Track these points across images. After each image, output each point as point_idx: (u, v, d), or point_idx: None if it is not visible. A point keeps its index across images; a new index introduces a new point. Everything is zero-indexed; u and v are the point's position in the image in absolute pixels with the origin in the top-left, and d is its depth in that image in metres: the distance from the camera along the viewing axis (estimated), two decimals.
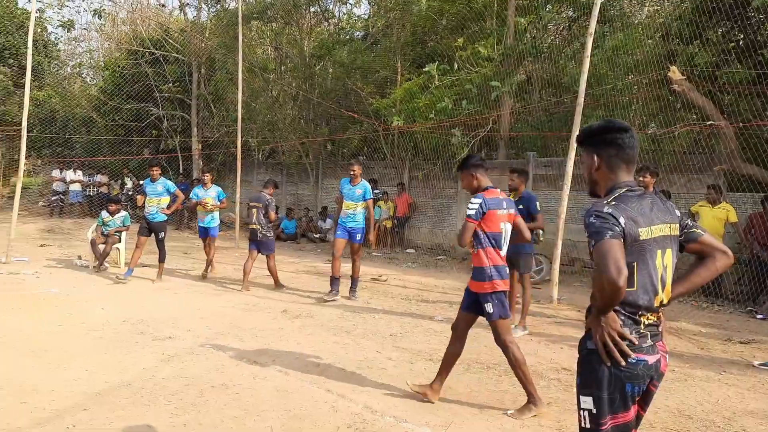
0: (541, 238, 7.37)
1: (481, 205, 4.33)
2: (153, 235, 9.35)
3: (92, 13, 21.66)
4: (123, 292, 8.45)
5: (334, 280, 8.33)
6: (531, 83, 12.97)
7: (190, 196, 10.18)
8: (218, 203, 10.14)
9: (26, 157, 11.37)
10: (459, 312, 4.59)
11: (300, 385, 4.84)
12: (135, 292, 8.47)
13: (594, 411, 2.28)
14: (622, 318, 2.26)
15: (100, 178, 19.69)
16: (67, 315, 6.89)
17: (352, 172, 8.38)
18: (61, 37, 28.99)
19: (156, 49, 19.85)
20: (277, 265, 9.35)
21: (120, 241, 10.49)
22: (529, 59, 12.67)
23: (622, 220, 2.21)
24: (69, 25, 23.25)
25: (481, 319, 4.46)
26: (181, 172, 19.55)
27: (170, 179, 18.92)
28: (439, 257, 13.32)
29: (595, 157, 2.43)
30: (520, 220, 4.67)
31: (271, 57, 20.27)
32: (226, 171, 19.88)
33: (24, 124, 10.77)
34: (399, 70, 15.37)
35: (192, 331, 6.40)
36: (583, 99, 8.53)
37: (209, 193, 10.14)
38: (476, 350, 5.91)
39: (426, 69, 12.91)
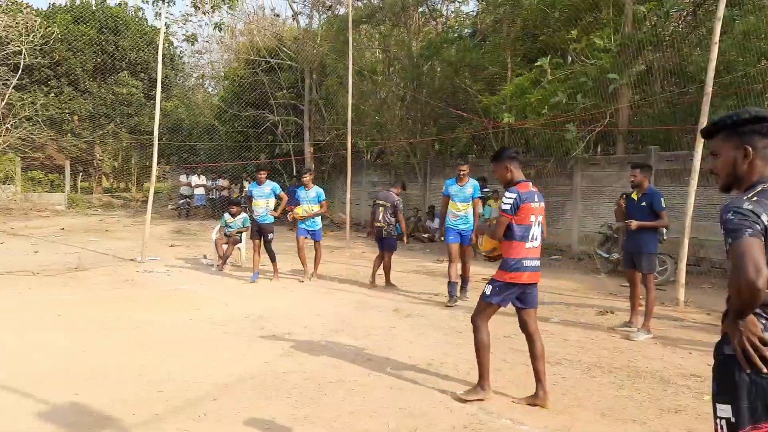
0: (665, 237, 6.92)
1: (516, 199, 4.35)
2: (261, 236, 9.59)
3: (213, 26, 22.92)
4: (244, 290, 8.87)
5: (452, 286, 8.07)
6: (651, 73, 12.27)
7: (296, 197, 10.02)
8: (317, 205, 9.84)
9: (157, 164, 12.21)
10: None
11: (413, 383, 4.84)
12: (254, 290, 8.87)
13: (732, 420, 2.09)
14: (763, 322, 2.06)
15: (222, 182, 20.85)
16: (195, 310, 7.32)
17: (461, 172, 8.18)
18: (186, 50, 31.06)
19: (271, 58, 20.75)
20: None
21: (241, 241, 11.02)
22: (649, 48, 11.99)
23: (764, 218, 2.01)
24: (192, 39, 24.76)
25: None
26: (294, 175, 20.27)
27: (284, 182, 19.78)
28: (554, 257, 12.89)
29: (748, 148, 2.20)
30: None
31: (379, 59, 20.57)
32: (336, 173, 20.40)
33: (155, 133, 11.58)
34: (509, 65, 15.07)
35: (308, 328, 6.59)
36: (711, 88, 7.95)
37: (309, 194, 9.83)
38: (596, 354, 5.65)
39: (538, 63, 12.56)
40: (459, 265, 8.30)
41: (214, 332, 6.32)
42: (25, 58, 21.84)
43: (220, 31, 24.08)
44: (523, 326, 4.61)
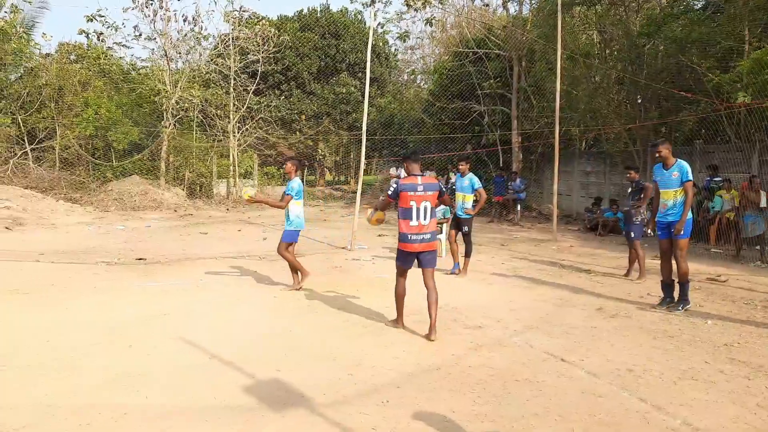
0: None
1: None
2: (459, 228, 9.53)
3: (424, 22, 23.48)
4: (441, 280, 8.93)
5: (666, 287, 7.25)
6: None
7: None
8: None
9: (369, 158, 12.83)
10: None
11: (609, 389, 4.46)
12: (451, 280, 8.90)
13: None
14: None
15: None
16: (392, 299, 7.55)
17: (657, 155, 7.14)
18: (400, 48, 32.29)
19: (479, 48, 20.68)
20: (600, 262, 8.87)
21: (441, 232, 11.15)
22: None
23: None
24: (404, 36, 25.64)
25: None
26: (500, 165, 20.00)
27: (490, 172, 19.60)
28: None
29: None
30: None
31: (593, 42, 19.37)
32: (545, 162, 19.70)
33: (364, 128, 12.19)
34: (746, 38, 13.19)
35: (501, 322, 6.43)
36: None
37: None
38: None
39: None
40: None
41: (407, 321, 6.45)
42: (261, 66, 24.47)
43: (431, 26, 24.64)
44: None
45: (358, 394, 4.36)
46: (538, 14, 19.40)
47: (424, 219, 5.82)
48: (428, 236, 5.89)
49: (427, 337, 5.73)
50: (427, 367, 4.94)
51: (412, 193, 5.78)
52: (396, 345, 5.55)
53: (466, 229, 9.45)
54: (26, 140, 21.24)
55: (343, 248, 11.92)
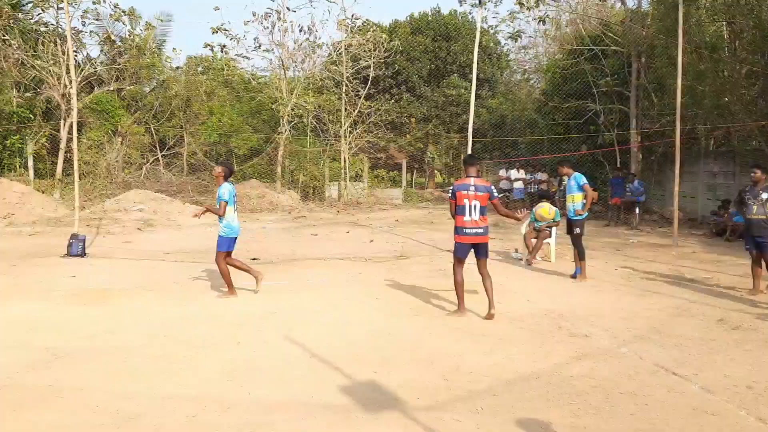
0: None
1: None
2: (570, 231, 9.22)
3: (537, 20, 22.88)
4: (549, 285, 8.68)
5: None
6: None
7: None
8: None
9: (480, 160, 12.68)
10: None
11: (724, 407, 4.13)
12: (560, 286, 8.61)
13: None
14: None
15: (541, 175, 20.76)
16: (497, 303, 7.41)
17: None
18: (512, 47, 31.69)
19: (595, 45, 19.85)
20: (724, 269, 8.23)
21: (550, 236, 10.81)
22: None
23: None
24: (517, 35, 25.13)
25: None
26: (618, 166, 19.06)
27: (607, 173, 18.75)
28: None
29: None
30: None
31: (722, 34, 17.99)
32: (667, 162, 18.52)
33: (470, 130, 12.09)
34: None
35: (609, 331, 6.13)
36: None
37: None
38: None
39: None
40: None
41: (509, 326, 6.33)
42: (372, 71, 24.95)
43: (544, 24, 23.97)
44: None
45: (452, 400, 4.33)
46: (658, 7, 18.29)
47: (476, 215, 6.60)
48: (481, 230, 6.70)
49: (489, 315, 6.57)
50: (526, 376, 4.81)
51: (465, 192, 6.60)
52: (495, 351, 5.45)
53: (577, 231, 9.11)
54: (158, 147, 22.99)
55: (448, 251, 11.85)
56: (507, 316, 6.75)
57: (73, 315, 6.74)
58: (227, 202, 7.57)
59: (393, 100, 28.65)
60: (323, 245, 12.76)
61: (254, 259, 10.76)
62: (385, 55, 25.06)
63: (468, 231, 6.65)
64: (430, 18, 32.20)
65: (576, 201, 9.12)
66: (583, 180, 9.13)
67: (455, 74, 30.68)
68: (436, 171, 35.84)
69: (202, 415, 4.04)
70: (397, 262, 10.54)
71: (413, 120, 30.17)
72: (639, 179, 17.40)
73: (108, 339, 5.81)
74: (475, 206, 6.57)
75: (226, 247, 7.70)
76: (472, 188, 6.60)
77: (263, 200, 21.08)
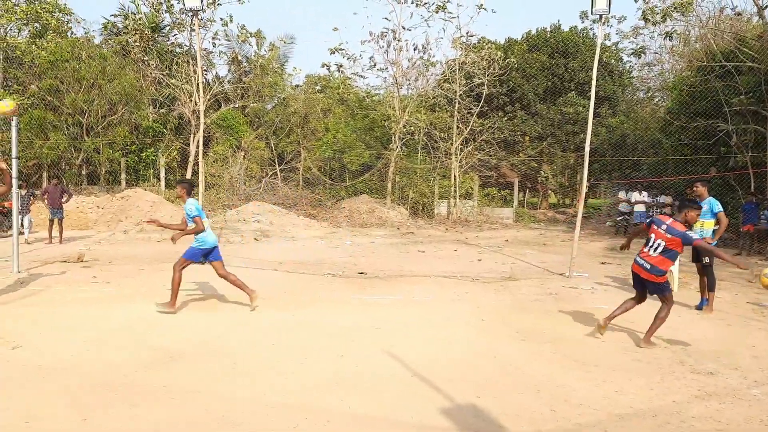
0: None
1: None
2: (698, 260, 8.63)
3: (663, 35, 21.74)
4: (671, 316, 8.08)
5: None
6: None
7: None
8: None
9: (598, 180, 12.19)
10: None
11: None
12: (683, 318, 8.00)
13: None
14: None
15: (664, 198, 19.55)
16: (609, 332, 7.01)
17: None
18: (635, 64, 30.33)
19: (728, 61, 18.53)
20: None
21: (674, 263, 10.10)
22: None
23: None
24: (640, 51, 24.01)
25: None
26: (752, 190, 17.57)
27: (739, 198, 17.35)
28: None
29: None
30: None
31: None
32: None
33: (587, 149, 11.58)
34: None
35: (738, 370, 5.59)
36: None
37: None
38: None
39: None
40: None
41: (624, 357, 5.95)
42: (486, 89, 24.76)
43: (671, 40, 22.74)
44: None
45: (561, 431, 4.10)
46: None
47: (653, 252, 6.53)
48: (648, 266, 6.53)
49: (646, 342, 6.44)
50: (642, 413, 4.48)
51: (657, 227, 6.59)
52: (608, 383, 5.12)
53: (707, 260, 8.50)
54: (276, 162, 24.07)
55: (560, 275, 11.41)
56: (622, 347, 6.36)
57: (189, 319, 7.12)
58: (202, 218, 7.47)
59: (506, 118, 28.25)
60: (430, 262, 12.71)
61: (361, 273, 10.91)
62: (500, 72, 24.80)
63: (638, 260, 6.68)
64: (549, 34, 31.54)
65: (705, 227, 8.50)
66: (719, 207, 8.52)
67: (573, 92, 29.81)
68: (549, 191, 34.83)
69: (303, 426, 4.09)
70: (506, 284, 10.27)
71: (527, 138, 29.56)
72: None
73: (219, 344, 6.07)
74: (659, 244, 6.49)
75: (192, 257, 7.53)
76: (664, 226, 6.52)
77: (373, 215, 21.42)
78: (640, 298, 6.84)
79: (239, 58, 24.70)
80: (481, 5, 23.72)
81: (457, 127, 24.94)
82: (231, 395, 4.62)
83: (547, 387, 5.00)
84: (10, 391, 4.64)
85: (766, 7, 19.18)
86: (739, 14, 22.20)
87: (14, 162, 9.67)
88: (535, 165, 31.10)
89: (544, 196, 33.95)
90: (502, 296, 9.08)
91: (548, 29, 31.99)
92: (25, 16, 22.75)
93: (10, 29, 22.95)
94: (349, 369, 5.35)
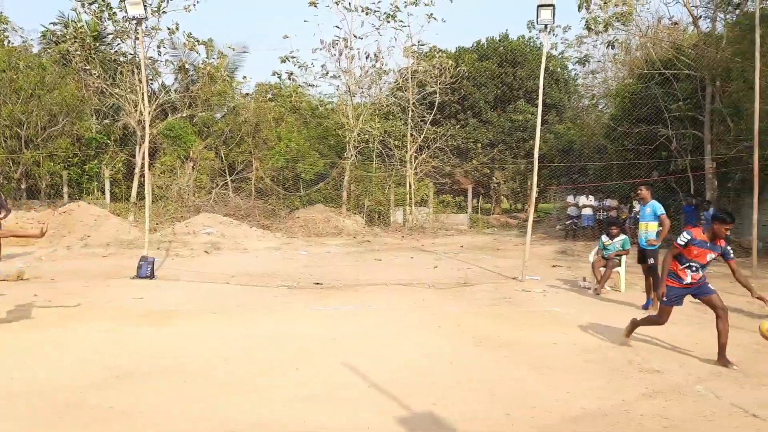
0: None
1: None
2: (644, 261, 8.99)
3: (606, 44, 22.44)
4: (618, 316, 8.33)
5: None
6: None
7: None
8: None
9: (547, 185, 12.47)
10: None
11: None
12: (630, 318, 8.23)
13: None
14: None
15: (610, 202, 20.17)
16: (562, 334, 7.18)
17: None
18: (579, 72, 31.20)
19: (666, 69, 19.27)
20: None
21: (620, 265, 10.43)
22: None
23: None
24: (585, 60, 24.71)
25: None
26: (691, 193, 18.30)
27: (679, 201, 18.01)
28: None
29: None
30: None
31: None
32: (745, 190, 17.64)
33: (536, 155, 11.87)
34: None
35: (684, 367, 5.81)
36: None
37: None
38: None
39: None
40: None
41: (576, 359, 6.10)
42: (438, 97, 25.05)
43: (613, 49, 23.48)
44: None
45: None
46: (733, 29, 17.61)
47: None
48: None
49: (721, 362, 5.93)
50: (592, 413, 4.60)
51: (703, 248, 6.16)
52: (561, 386, 5.24)
53: (651, 261, 8.82)
54: (227, 172, 23.75)
55: (514, 279, 11.63)
56: (575, 348, 6.52)
57: (138, 336, 6.95)
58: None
59: (459, 126, 28.63)
60: (387, 270, 12.75)
61: (317, 283, 10.86)
62: (451, 80, 25.14)
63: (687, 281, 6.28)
64: (497, 43, 32.15)
65: (650, 230, 8.84)
66: (662, 210, 8.86)
67: (522, 99, 30.46)
68: (502, 197, 35.43)
69: None
70: (461, 289, 10.39)
71: (479, 145, 30.02)
72: (715, 207, 16.63)
73: (170, 361, 5.93)
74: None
75: None
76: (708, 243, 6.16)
77: (328, 224, 21.36)
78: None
79: (186, 66, 24.31)
80: (431, 15, 24.03)
81: (411, 135, 25.15)
82: (185, 413, 4.54)
83: (503, 391, 5.08)
84: None
85: (700, 17, 20.04)
86: (676, 24, 23.14)
87: None
88: (488, 171, 31.58)
89: (496, 201, 34.52)
90: (458, 302, 9.19)
91: (497, 38, 32.62)
92: None
93: None
94: (305, 382, 5.31)
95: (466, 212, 27.75)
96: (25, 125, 20.82)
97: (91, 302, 8.76)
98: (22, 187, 21.96)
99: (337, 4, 23.43)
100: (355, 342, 6.74)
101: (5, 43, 23.65)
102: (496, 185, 32.54)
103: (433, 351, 6.36)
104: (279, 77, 26.21)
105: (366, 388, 5.15)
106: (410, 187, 24.72)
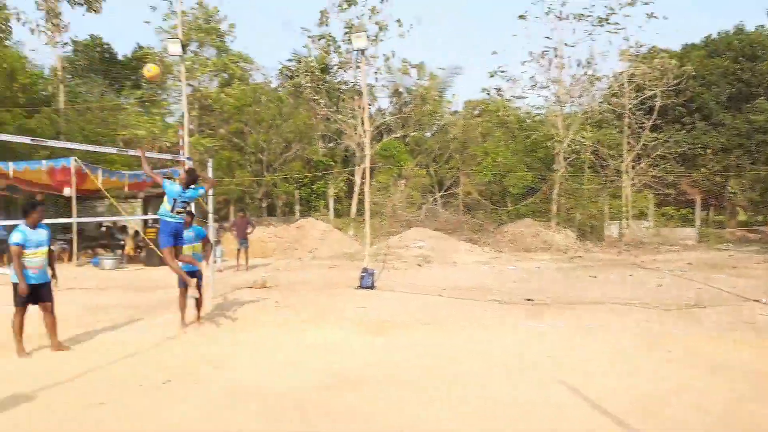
0: None
1: None
2: None
3: None
4: None
5: None
6: None
7: None
8: None
9: None
10: None
11: None
12: None
13: None
14: None
15: None
16: None
17: None
18: None
19: None
20: None
21: None
22: None
23: None
24: None
25: None
26: None
27: None
28: None
29: None
30: None
31: None
32: None
33: None
34: None
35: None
36: None
37: None
38: None
39: None
40: None
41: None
42: (659, 100, 23.17)
43: None
44: None
45: None
46: None
47: None
48: None
49: None
50: None
51: None
52: None
53: None
54: (437, 188, 24.37)
55: (756, 301, 10.17)
56: None
57: (361, 343, 7.33)
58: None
59: (684, 131, 26.13)
60: (603, 288, 11.95)
61: (528, 299, 10.55)
62: (675, 82, 23.08)
63: None
64: (731, 36, 28.85)
65: None
66: None
67: (762, 97, 26.85)
68: (738, 208, 31.49)
69: None
70: (691, 311, 9.34)
71: (709, 151, 27.06)
72: None
73: (388, 368, 6.14)
74: None
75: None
76: None
77: (537, 239, 20.78)
78: None
79: (400, 89, 25.52)
80: (651, 13, 22.38)
81: (628, 143, 23.56)
82: (406, 420, 4.65)
83: (743, 427, 4.42)
84: (209, 411, 5.02)
85: None
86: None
87: (210, 199, 10.70)
88: (721, 180, 28.27)
89: (731, 213, 30.76)
90: (687, 325, 8.27)
91: (730, 32, 29.27)
92: (215, 68, 25.49)
93: (203, 81, 25.81)
94: (517, 397, 5.14)
95: (694, 225, 25.10)
96: (265, 152, 23.61)
97: (322, 311, 9.48)
98: (263, 205, 24.86)
99: (547, 14, 22.91)
100: (572, 361, 6.38)
101: (250, 80, 27.06)
102: (730, 195, 28.96)
103: (663, 377, 5.78)
104: (488, 93, 26.30)
105: (589, 409, 4.82)
106: (627, 199, 23.09)
